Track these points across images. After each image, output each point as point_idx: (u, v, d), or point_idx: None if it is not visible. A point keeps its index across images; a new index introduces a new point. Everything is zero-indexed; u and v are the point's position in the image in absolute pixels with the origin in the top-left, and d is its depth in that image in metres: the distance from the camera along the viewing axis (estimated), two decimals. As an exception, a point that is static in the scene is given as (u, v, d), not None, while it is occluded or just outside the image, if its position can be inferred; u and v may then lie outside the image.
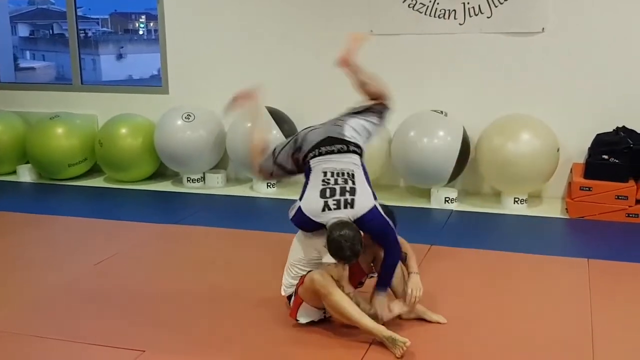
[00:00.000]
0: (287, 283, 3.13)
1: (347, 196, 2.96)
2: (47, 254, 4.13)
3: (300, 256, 3.08)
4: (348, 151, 3.14)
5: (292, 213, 3.05)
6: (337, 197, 2.95)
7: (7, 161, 6.15)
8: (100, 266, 3.87)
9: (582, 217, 4.67)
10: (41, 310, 3.30)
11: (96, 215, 4.92)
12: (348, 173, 3.05)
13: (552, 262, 3.87)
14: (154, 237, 4.40)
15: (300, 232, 3.12)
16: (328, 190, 2.98)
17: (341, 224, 2.86)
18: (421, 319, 3.10)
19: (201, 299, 3.38)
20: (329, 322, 3.05)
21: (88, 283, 3.64)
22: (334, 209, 2.93)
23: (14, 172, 6.18)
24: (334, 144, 3.14)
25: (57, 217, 4.88)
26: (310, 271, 3.00)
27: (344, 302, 2.85)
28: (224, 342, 2.97)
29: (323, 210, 2.94)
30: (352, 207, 2.94)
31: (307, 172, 3.13)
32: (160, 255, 4.09)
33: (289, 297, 3.13)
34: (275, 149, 3.29)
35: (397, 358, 2.76)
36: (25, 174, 6.10)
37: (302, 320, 3.03)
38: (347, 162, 3.10)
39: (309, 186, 3.06)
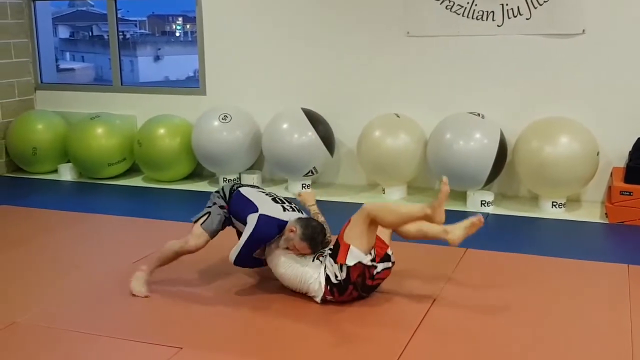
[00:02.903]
0: (315, 284, 3.23)
1: (293, 205, 3.51)
2: (86, 251, 4.21)
3: (301, 269, 3.27)
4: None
5: (249, 232, 3.29)
6: (287, 204, 3.46)
7: (48, 160, 6.29)
8: (139, 264, 3.91)
9: (622, 222, 4.59)
10: (80, 306, 3.37)
11: (134, 214, 5.00)
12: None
13: (591, 267, 3.81)
14: (190, 236, 4.45)
15: (282, 263, 3.31)
16: (278, 200, 3.49)
17: (312, 219, 3.37)
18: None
19: (238, 296, 3.41)
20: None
21: (126, 280, 3.69)
22: (291, 211, 3.41)
23: (55, 171, 6.32)
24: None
25: (96, 215, 4.97)
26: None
27: (390, 203, 3.25)
28: (261, 338, 3.00)
29: (284, 211, 3.39)
30: (300, 213, 3.46)
31: (235, 200, 3.48)
32: (197, 253, 4.12)
33: (327, 291, 3.21)
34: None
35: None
36: (66, 173, 6.23)
37: (350, 262, 3.12)
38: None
39: (253, 201, 3.41)
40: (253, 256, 3.39)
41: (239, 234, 3.51)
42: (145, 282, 3.45)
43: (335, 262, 3.17)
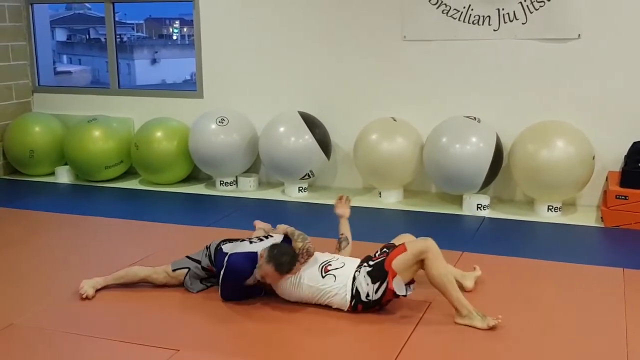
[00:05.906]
0: (336, 299, 3.22)
1: (268, 236, 3.54)
2: (83, 253, 4.21)
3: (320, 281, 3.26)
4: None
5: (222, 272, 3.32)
6: (259, 239, 3.51)
7: (45, 162, 6.29)
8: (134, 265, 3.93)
9: (618, 226, 4.61)
10: (76, 308, 3.37)
11: (131, 216, 5.01)
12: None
13: (587, 271, 3.83)
14: (187, 239, 4.45)
15: (294, 290, 3.29)
16: (253, 240, 3.51)
17: (283, 244, 3.37)
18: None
19: (234, 301, 3.42)
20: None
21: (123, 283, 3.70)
22: (259, 242, 3.45)
23: (53, 174, 6.31)
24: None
25: (93, 217, 4.98)
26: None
27: (451, 269, 3.28)
28: (258, 340, 3.01)
29: (250, 244, 3.44)
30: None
31: (217, 257, 3.47)
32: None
33: (350, 307, 3.20)
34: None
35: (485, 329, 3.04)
36: (63, 175, 6.23)
37: (398, 291, 3.15)
38: None
39: (225, 251, 3.43)
40: (244, 288, 3.34)
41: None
42: (95, 288, 3.49)
43: (374, 282, 3.16)
